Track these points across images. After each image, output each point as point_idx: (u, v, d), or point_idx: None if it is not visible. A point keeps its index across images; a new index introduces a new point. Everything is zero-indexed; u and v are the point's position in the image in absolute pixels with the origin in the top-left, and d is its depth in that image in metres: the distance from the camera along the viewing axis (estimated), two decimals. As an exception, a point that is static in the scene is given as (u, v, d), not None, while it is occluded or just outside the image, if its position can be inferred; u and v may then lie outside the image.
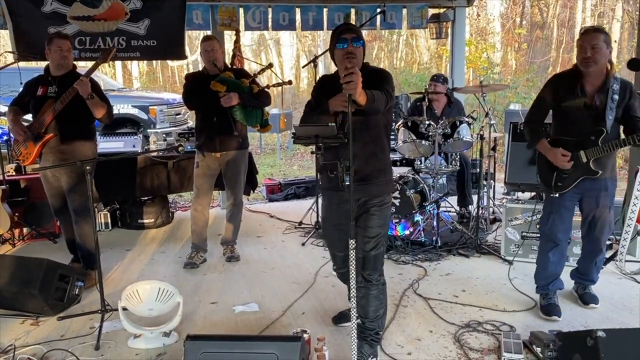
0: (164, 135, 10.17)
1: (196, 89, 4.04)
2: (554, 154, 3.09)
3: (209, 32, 5.89)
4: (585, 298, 3.36)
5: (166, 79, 19.68)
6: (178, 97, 11.06)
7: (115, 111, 10.04)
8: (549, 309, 3.23)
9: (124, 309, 2.96)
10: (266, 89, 4.16)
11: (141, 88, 15.98)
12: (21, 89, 3.89)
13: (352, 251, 2.31)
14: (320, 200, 3.53)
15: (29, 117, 3.90)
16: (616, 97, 2.96)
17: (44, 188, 3.93)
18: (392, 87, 2.55)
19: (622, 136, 3.07)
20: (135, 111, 9.69)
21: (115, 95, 9.46)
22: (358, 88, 2.17)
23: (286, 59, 18.58)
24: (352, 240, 2.30)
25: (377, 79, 2.50)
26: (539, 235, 3.99)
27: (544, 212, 3.34)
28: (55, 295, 3.35)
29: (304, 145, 2.30)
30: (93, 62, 3.79)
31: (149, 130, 9.67)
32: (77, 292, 3.51)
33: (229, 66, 4.23)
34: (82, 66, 4.83)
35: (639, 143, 2.88)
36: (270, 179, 7.44)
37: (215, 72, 4.01)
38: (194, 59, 16.94)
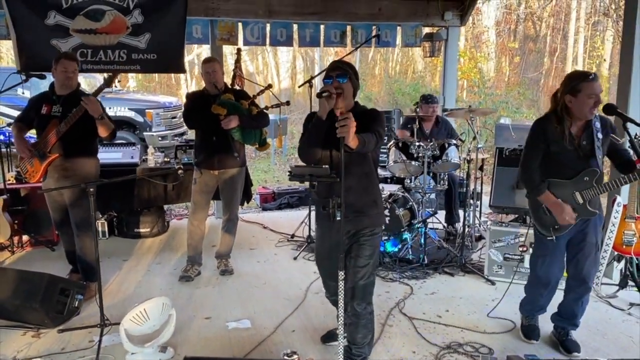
0: (159, 139, 10.34)
1: (197, 109, 4.18)
2: (561, 209, 3.01)
3: (208, 46, 6.05)
4: (567, 345, 3.24)
5: (162, 77, 19.73)
6: (174, 100, 11.19)
7: (111, 114, 10.12)
8: (528, 331, 3.40)
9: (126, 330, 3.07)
10: (264, 110, 4.32)
11: (137, 86, 16.04)
12: (26, 104, 4.03)
13: (341, 282, 2.49)
14: (312, 215, 3.66)
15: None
16: (600, 135, 2.99)
17: (46, 201, 4.06)
18: (383, 127, 2.72)
19: (618, 174, 3.08)
20: (131, 114, 9.81)
21: (112, 97, 9.56)
22: (351, 133, 2.34)
23: (283, 61, 18.69)
24: (341, 272, 2.49)
25: (369, 120, 2.67)
26: (520, 257, 4.20)
27: (536, 254, 3.30)
28: (55, 308, 3.49)
29: (299, 182, 2.46)
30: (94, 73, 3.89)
31: (144, 133, 9.83)
32: (76, 305, 3.65)
33: (229, 87, 4.37)
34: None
35: (634, 179, 2.92)
36: (264, 187, 7.60)
37: (216, 92, 4.16)
38: (190, 59, 17.06)
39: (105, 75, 3.81)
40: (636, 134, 3.52)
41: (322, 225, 2.94)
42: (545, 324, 3.47)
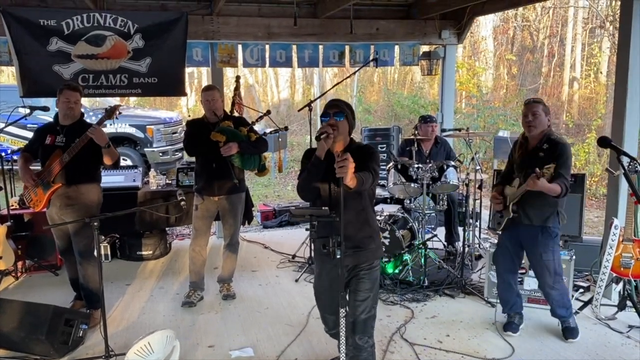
0: (160, 154, 10.40)
1: (197, 137, 4.23)
2: (491, 194, 3.86)
3: (208, 69, 6.11)
4: (564, 333, 3.82)
5: (162, 89, 19.81)
6: (175, 115, 11.26)
7: (112, 130, 10.14)
8: (506, 327, 3.90)
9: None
10: (263, 137, 4.37)
11: (138, 100, 16.10)
12: (32, 134, 4.09)
13: (342, 318, 2.54)
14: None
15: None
16: (542, 154, 3.51)
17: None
18: (378, 164, 2.80)
19: None
20: (132, 130, 9.90)
21: (113, 114, 9.61)
22: (349, 174, 2.40)
23: (282, 72, 18.80)
24: (342, 309, 2.54)
25: (364, 157, 2.72)
26: (519, 279, 4.29)
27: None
28: (60, 338, 3.53)
29: (300, 222, 2.51)
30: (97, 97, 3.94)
31: (145, 149, 9.91)
32: (81, 335, 3.69)
33: (229, 114, 4.43)
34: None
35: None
36: (265, 204, 7.65)
37: (215, 120, 4.22)
38: (190, 71, 17.16)
39: (108, 106, 3.87)
40: (633, 159, 3.60)
41: (320, 261, 2.98)
42: (542, 347, 3.51)
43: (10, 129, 9.29)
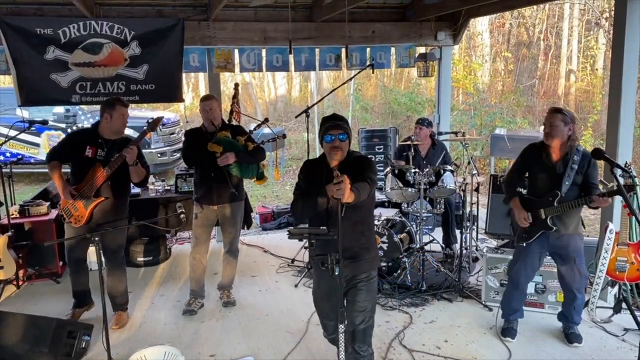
0: (158, 155, 10.41)
1: (195, 147, 4.26)
2: (519, 212, 3.77)
3: (205, 74, 6.12)
4: (570, 337, 3.87)
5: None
6: (172, 115, 11.27)
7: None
8: (505, 332, 3.95)
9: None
10: (261, 145, 4.40)
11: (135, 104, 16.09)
12: (63, 137, 4.10)
13: (341, 335, 2.59)
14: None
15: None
16: (575, 166, 3.58)
17: (54, 236, 4.13)
18: (375, 173, 2.86)
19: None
20: (130, 132, 9.85)
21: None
22: (346, 194, 2.44)
23: (278, 69, 18.75)
24: (341, 325, 2.58)
25: (361, 167, 2.81)
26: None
27: (513, 258, 4.00)
28: (63, 350, 3.58)
29: (298, 240, 2.55)
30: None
31: (143, 151, 9.90)
32: (84, 346, 3.74)
33: (227, 123, 4.45)
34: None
35: (589, 204, 3.50)
36: (264, 206, 7.68)
37: (213, 129, 4.25)
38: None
39: (150, 118, 3.94)
40: (626, 163, 3.65)
41: (318, 270, 3.03)
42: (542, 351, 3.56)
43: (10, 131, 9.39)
